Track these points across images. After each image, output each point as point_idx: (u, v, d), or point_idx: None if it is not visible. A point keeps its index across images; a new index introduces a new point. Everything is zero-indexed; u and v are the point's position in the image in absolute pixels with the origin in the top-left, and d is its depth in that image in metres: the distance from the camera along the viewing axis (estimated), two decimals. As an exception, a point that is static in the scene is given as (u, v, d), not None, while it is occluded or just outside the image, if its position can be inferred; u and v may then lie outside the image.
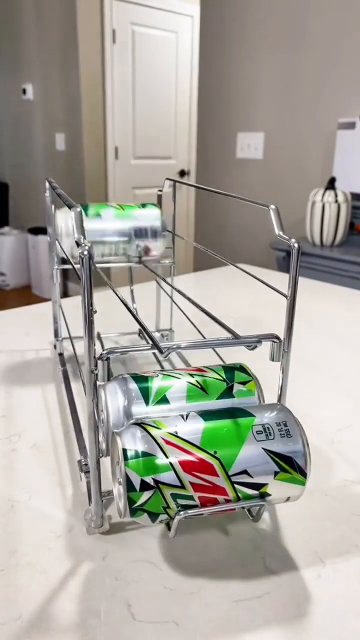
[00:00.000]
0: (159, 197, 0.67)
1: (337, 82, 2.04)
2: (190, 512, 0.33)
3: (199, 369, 0.43)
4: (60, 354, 0.71)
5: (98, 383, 0.37)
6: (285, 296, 0.37)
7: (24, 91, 3.80)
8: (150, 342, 0.33)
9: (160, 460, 0.33)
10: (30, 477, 0.46)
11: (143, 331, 0.37)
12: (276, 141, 2.33)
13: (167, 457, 0.33)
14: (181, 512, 0.33)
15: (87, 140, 3.41)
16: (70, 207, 0.36)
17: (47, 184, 0.61)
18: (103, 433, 0.40)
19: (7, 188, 4.34)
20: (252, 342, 0.36)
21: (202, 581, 0.36)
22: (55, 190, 0.49)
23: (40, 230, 3.78)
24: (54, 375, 0.66)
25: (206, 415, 0.36)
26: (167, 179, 0.63)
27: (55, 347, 0.72)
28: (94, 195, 3.52)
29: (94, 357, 0.34)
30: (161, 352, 0.32)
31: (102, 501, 0.38)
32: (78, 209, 0.34)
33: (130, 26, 3.36)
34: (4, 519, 0.41)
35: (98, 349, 0.65)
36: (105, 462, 0.48)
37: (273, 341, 0.37)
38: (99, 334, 0.73)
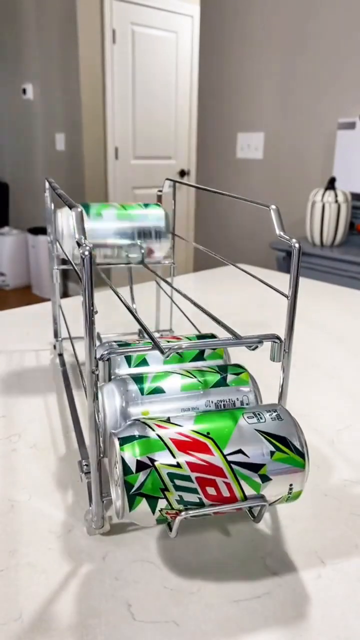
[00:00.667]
0: (159, 197, 0.67)
1: (337, 82, 2.04)
2: (192, 512, 0.33)
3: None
4: (60, 355, 0.71)
5: (99, 384, 0.37)
6: (286, 296, 0.37)
7: (24, 91, 3.80)
8: (151, 342, 0.33)
9: (153, 438, 0.34)
10: (30, 477, 0.46)
11: (144, 331, 0.37)
12: (276, 141, 2.33)
13: (160, 436, 0.34)
14: (183, 513, 0.33)
15: (87, 140, 3.41)
16: (70, 207, 0.36)
17: (47, 184, 0.61)
18: (101, 434, 0.40)
19: (7, 188, 4.34)
20: (253, 343, 0.36)
21: (202, 581, 0.36)
22: (56, 191, 0.49)
23: (40, 230, 3.78)
24: (54, 375, 0.66)
25: (199, 412, 0.37)
26: (167, 179, 0.62)
27: (55, 347, 0.72)
28: (93, 195, 3.52)
29: (95, 357, 0.34)
30: (162, 352, 0.32)
31: (103, 502, 0.38)
32: (79, 209, 0.34)
33: (130, 26, 3.36)
34: (4, 519, 0.41)
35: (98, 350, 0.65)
36: (106, 462, 0.48)
37: (274, 341, 0.37)
38: (98, 334, 0.73)
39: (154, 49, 3.52)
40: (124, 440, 0.34)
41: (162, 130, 3.74)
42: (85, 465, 0.43)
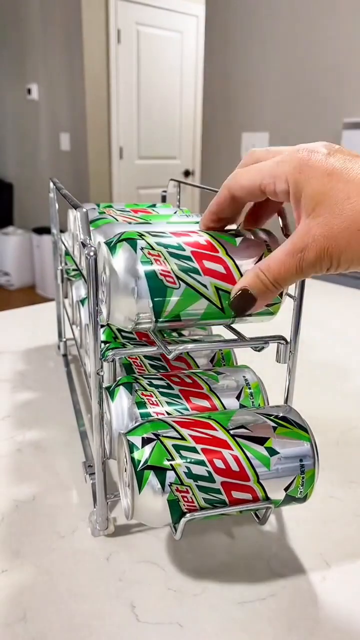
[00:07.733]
0: (163, 197, 0.67)
1: (342, 82, 2.04)
2: (198, 514, 0.33)
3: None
4: (64, 355, 0.71)
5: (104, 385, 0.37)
6: (293, 297, 0.37)
7: (29, 91, 3.80)
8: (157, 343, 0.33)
9: (156, 421, 0.35)
10: (35, 478, 0.46)
11: (149, 332, 0.37)
12: (281, 141, 2.32)
13: (162, 420, 0.35)
14: (187, 515, 0.33)
15: (91, 140, 3.41)
16: (75, 207, 0.36)
17: (51, 184, 0.61)
18: (107, 435, 0.40)
19: (11, 188, 4.34)
20: (259, 344, 0.36)
21: (207, 583, 0.35)
22: (60, 191, 0.49)
23: (44, 230, 3.78)
24: (58, 376, 0.66)
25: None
26: (172, 179, 0.62)
27: (59, 347, 0.72)
28: (98, 195, 3.52)
29: (100, 359, 0.33)
30: (168, 353, 0.32)
31: (107, 503, 0.38)
32: (84, 210, 0.34)
33: (135, 26, 3.35)
34: (9, 519, 0.41)
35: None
36: (110, 464, 0.48)
37: (280, 342, 0.37)
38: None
39: (159, 49, 3.52)
40: (130, 432, 0.35)
41: (166, 130, 3.73)
42: (90, 466, 0.43)
